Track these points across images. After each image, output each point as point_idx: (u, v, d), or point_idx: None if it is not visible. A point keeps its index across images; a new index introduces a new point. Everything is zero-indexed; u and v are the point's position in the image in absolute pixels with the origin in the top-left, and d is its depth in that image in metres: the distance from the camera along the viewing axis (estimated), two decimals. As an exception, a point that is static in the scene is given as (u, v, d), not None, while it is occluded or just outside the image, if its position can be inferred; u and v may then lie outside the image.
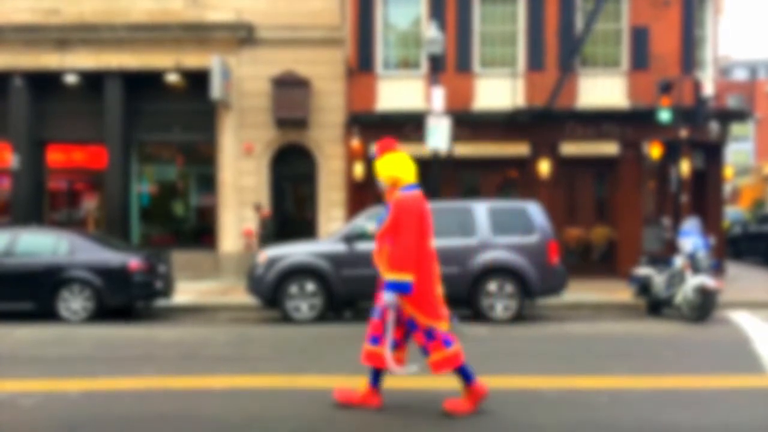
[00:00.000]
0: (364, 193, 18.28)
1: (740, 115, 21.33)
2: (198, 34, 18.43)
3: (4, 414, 5.97)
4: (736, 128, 34.17)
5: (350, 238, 11.83)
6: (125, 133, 18.75)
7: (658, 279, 12.27)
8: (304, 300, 11.73)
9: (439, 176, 15.79)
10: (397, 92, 18.55)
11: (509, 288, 11.76)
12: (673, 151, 17.80)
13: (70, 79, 18.80)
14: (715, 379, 7.06)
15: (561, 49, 18.25)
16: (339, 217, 18.29)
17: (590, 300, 14.14)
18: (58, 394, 6.57)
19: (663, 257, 13.77)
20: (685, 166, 18.12)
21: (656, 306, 12.45)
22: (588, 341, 9.69)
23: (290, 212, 19.44)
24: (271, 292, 11.85)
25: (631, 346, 9.28)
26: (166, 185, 19.79)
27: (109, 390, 6.74)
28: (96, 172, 19.35)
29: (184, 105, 19.00)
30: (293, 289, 11.76)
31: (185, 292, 14.95)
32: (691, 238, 11.69)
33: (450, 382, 6.86)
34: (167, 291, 13.28)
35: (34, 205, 19.03)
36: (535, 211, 12.24)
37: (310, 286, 11.74)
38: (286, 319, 11.75)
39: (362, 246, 11.46)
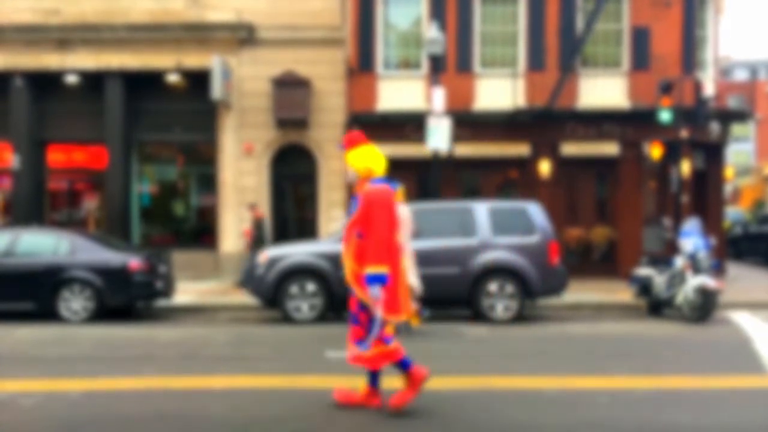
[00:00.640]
0: (364, 193, 18.25)
1: (741, 116, 21.33)
2: (198, 34, 18.43)
3: (4, 414, 5.96)
4: (736, 129, 34.12)
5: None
6: (126, 133, 18.75)
7: (659, 279, 12.27)
8: (304, 300, 11.73)
9: (440, 176, 15.79)
10: (398, 92, 18.55)
11: (510, 288, 11.76)
12: (673, 152, 17.80)
13: (71, 79, 18.80)
14: (715, 380, 7.06)
15: (562, 50, 18.25)
16: (339, 217, 18.28)
17: (591, 300, 14.13)
18: (59, 394, 6.57)
19: (663, 257, 13.76)
20: (685, 167, 18.12)
21: (657, 306, 12.45)
22: (588, 341, 9.68)
23: (290, 212, 19.44)
24: (272, 292, 11.85)
25: (632, 346, 9.28)
26: (166, 185, 19.79)
27: (109, 390, 6.74)
28: (96, 172, 19.36)
29: (184, 105, 19.00)
30: (294, 289, 11.76)
31: (185, 292, 14.95)
32: (692, 239, 11.69)
33: (451, 382, 6.86)
34: (168, 291, 13.28)
35: (35, 205, 19.03)
36: (535, 211, 12.24)
37: (311, 286, 11.74)
38: (287, 319, 11.74)
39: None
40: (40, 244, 12.75)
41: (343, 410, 5.83)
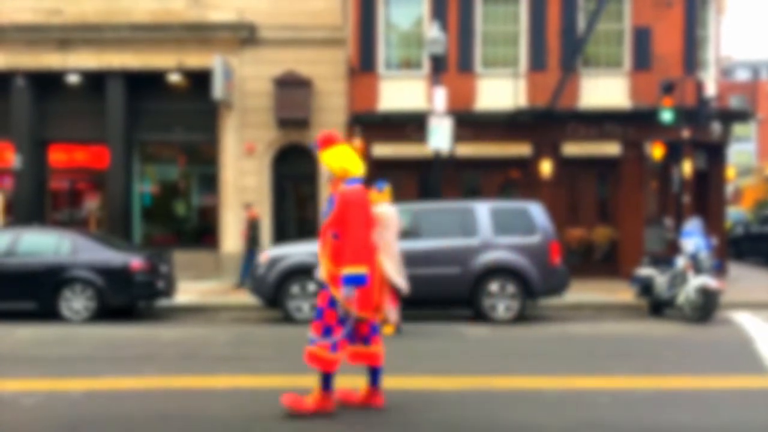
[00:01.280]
0: (365, 193, 18.27)
1: (742, 116, 21.30)
2: (200, 34, 18.44)
3: (5, 413, 5.97)
4: (738, 129, 34.06)
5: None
6: (127, 133, 18.76)
7: (660, 279, 12.26)
8: (305, 300, 11.72)
9: (441, 176, 15.78)
10: (399, 92, 18.54)
11: (511, 288, 11.75)
12: (675, 152, 17.79)
13: (72, 79, 18.82)
14: (716, 380, 7.05)
15: (563, 50, 18.24)
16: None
17: (592, 300, 14.12)
18: (60, 393, 6.58)
19: (665, 258, 13.75)
20: (687, 167, 18.11)
21: (658, 306, 12.44)
22: (589, 342, 9.68)
23: (292, 212, 19.44)
24: (273, 292, 11.86)
25: (633, 346, 9.28)
26: (167, 185, 19.80)
27: (110, 390, 6.74)
28: (98, 172, 19.37)
29: (185, 105, 19.01)
30: (295, 289, 11.77)
31: (187, 292, 14.95)
32: (693, 239, 11.68)
33: (452, 382, 6.87)
34: (169, 291, 13.29)
35: (36, 204, 19.05)
36: (536, 211, 12.23)
37: (312, 286, 11.74)
38: (288, 319, 11.75)
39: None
40: (41, 244, 12.75)
41: (345, 410, 5.83)
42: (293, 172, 19.00)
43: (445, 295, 11.87)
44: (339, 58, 18.60)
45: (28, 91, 18.76)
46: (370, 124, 18.35)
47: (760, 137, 51.84)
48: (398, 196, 18.07)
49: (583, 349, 9.00)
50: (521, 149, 18.37)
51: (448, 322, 11.55)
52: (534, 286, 11.80)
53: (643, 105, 18.02)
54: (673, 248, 15.24)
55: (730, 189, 35.14)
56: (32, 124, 18.90)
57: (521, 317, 11.78)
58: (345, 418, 5.63)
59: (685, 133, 17.53)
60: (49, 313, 12.14)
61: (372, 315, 5.75)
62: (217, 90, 17.37)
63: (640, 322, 11.80)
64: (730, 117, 20.22)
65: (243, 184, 18.59)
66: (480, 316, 11.72)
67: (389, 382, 6.03)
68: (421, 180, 18.43)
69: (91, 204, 19.81)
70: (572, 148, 18.35)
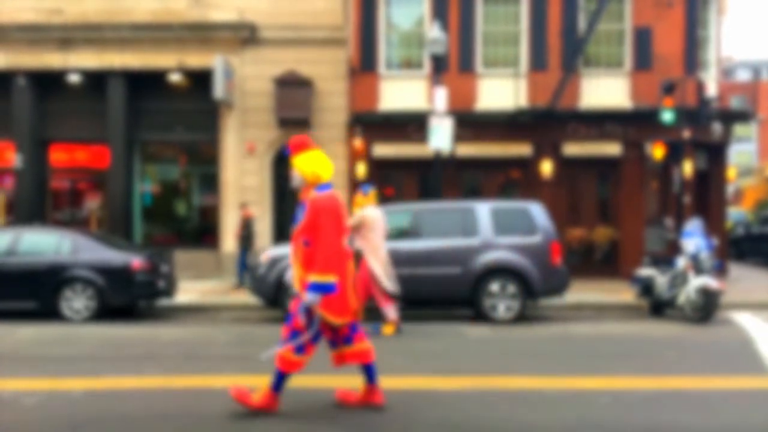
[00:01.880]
0: (366, 193, 18.27)
1: (743, 116, 21.30)
2: (201, 33, 18.45)
3: (6, 413, 5.98)
4: (739, 129, 34.09)
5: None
6: (128, 132, 18.78)
7: (661, 280, 12.26)
8: (306, 300, 11.71)
9: (441, 176, 15.78)
10: (400, 92, 18.56)
11: (511, 288, 11.75)
12: (675, 152, 17.78)
13: (73, 78, 18.83)
14: (717, 380, 7.05)
15: (564, 50, 18.24)
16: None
17: (592, 301, 14.12)
18: (61, 393, 6.58)
19: (665, 258, 13.74)
20: (687, 167, 18.11)
21: (659, 307, 12.44)
22: (590, 342, 9.68)
23: (292, 212, 19.44)
24: (273, 292, 11.87)
25: (634, 346, 9.27)
26: (168, 185, 19.82)
27: (111, 389, 6.75)
28: (99, 172, 19.39)
29: (186, 105, 19.03)
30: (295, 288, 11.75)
31: (187, 292, 14.97)
32: (694, 239, 11.68)
33: (452, 382, 6.87)
34: (169, 290, 13.30)
35: (37, 204, 19.07)
36: (537, 211, 12.23)
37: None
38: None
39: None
40: (42, 244, 12.76)
41: (345, 409, 5.83)
42: (294, 172, 18.97)
43: (445, 295, 11.87)
44: (340, 58, 18.61)
45: (29, 91, 18.78)
46: (370, 124, 18.36)
47: (760, 138, 51.83)
48: (399, 196, 18.16)
49: (584, 350, 9.00)
50: (522, 149, 18.38)
51: (449, 322, 11.55)
52: (534, 286, 11.81)
53: (643, 105, 18.02)
54: (674, 248, 15.24)
55: (730, 189, 35.14)
56: (33, 124, 18.91)
57: (522, 317, 11.78)
58: (344, 419, 5.63)
59: (686, 134, 17.53)
60: (49, 312, 12.15)
61: (350, 318, 5.71)
62: (218, 90, 17.38)
63: (641, 323, 11.79)
64: (730, 117, 20.22)
65: (243, 183, 18.60)
66: (480, 316, 11.72)
67: (389, 382, 6.03)
68: (422, 180, 18.44)
69: (92, 203, 19.82)
70: (573, 148, 18.36)
